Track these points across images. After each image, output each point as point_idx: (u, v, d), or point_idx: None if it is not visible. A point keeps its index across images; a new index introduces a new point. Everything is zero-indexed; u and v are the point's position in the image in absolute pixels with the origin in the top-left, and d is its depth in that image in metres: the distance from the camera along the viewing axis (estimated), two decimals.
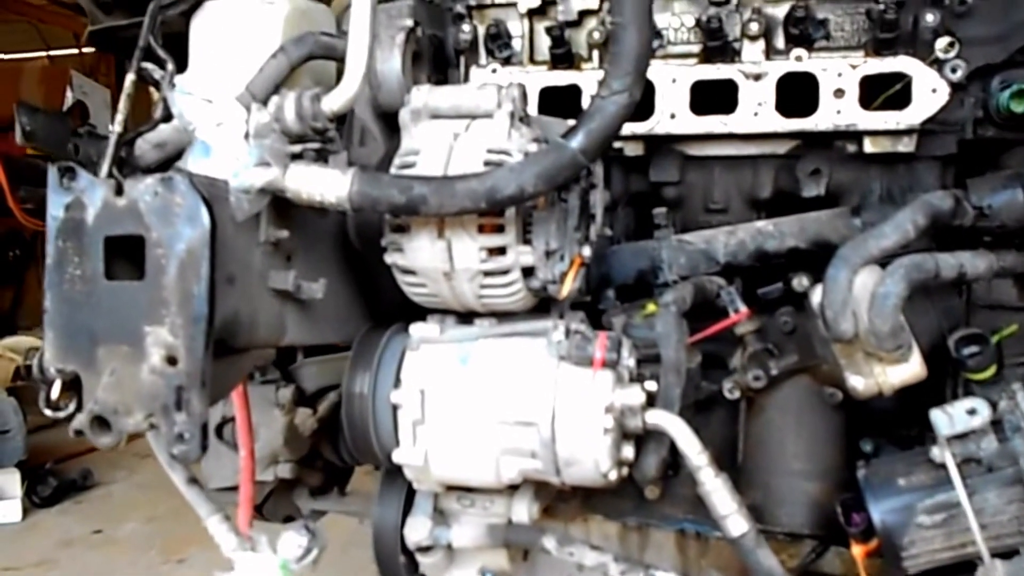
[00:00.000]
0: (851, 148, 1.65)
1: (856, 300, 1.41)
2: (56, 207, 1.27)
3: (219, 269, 1.27)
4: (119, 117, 1.65)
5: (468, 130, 1.47)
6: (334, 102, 1.41)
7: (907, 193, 1.65)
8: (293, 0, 1.83)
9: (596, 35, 1.71)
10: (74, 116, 7.57)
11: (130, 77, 1.71)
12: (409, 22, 1.70)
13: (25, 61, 7.96)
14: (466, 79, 1.82)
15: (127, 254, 1.26)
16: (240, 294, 1.36)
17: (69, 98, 7.99)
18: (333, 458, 2.17)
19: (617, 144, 1.71)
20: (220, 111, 1.39)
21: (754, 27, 1.63)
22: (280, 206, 1.42)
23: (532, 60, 1.80)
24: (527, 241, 1.41)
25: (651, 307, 1.64)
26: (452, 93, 1.52)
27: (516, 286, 1.43)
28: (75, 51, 8.55)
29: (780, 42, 1.68)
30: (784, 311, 1.67)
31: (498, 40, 1.79)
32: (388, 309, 1.65)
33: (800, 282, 1.69)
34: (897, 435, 1.66)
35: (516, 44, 1.81)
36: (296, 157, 1.40)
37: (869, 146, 1.62)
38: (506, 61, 1.81)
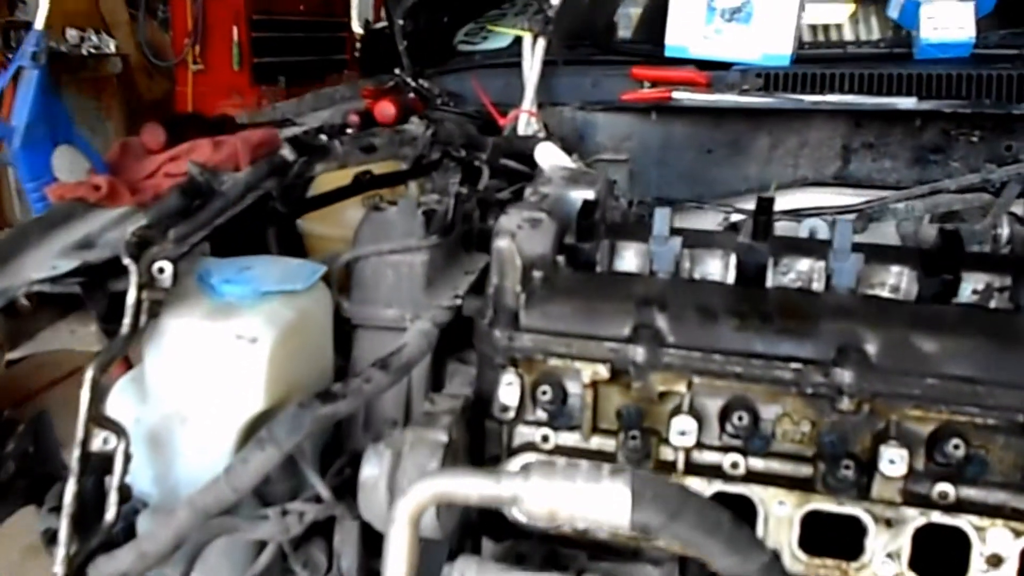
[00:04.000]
0: None
1: None
2: None
3: None
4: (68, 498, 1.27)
5: None
6: None
7: None
8: (281, 326, 1.41)
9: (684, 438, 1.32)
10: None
11: (75, 453, 1.30)
12: (443, 437, 1.28)
13: None
14: (510, 448, 1.42)
15: None
16: None
17: None
18: None
19: None
20: None
21: (894, 463, 1.25)
22: None
23: (595, 429, 1.40)
24: None
25: None
26: None
27: None
28: None
29: (919, 462, 1.31)
30: None
31: (551, 404, 1.38)
32: None
33: None
34: None
35: (574, 403, 1.40)
36: None
37: None
38: (560, 427, 1.41)
